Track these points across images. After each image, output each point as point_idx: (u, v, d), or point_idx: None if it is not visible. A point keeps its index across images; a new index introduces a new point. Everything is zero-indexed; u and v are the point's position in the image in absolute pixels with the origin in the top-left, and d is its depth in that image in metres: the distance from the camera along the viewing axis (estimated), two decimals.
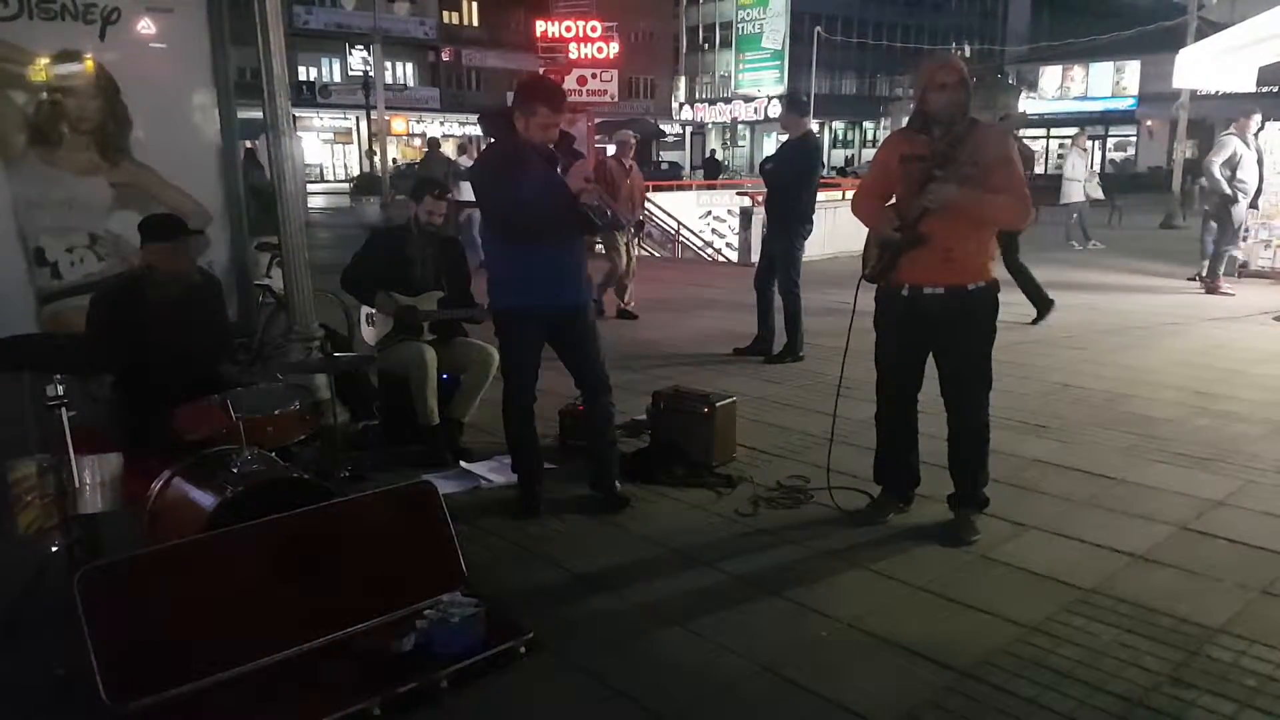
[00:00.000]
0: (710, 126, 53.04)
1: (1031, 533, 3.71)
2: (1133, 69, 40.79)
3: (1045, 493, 4.13)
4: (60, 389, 2.87)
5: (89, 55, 4.59)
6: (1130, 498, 4.09)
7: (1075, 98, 43.44)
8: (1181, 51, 8.17)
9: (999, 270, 3.75)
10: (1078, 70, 43.36)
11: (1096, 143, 37.28)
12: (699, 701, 2.65)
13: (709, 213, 13.92)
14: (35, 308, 4.51)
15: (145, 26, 4.75)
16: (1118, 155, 42.43)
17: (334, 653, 2.75)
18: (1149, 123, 39.48)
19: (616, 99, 18.72)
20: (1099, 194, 14.99)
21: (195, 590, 2.65)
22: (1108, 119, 41.73)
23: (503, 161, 3.74)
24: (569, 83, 20.12)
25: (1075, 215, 14.41)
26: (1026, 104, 41.28)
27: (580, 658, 2.86)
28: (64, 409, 2.87)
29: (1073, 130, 21.53)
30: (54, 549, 2.97)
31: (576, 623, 3.07)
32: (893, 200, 3.59)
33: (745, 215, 13.10)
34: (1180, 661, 2.78)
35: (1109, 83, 42.57)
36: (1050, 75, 44.58)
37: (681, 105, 53.13)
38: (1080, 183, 14.23)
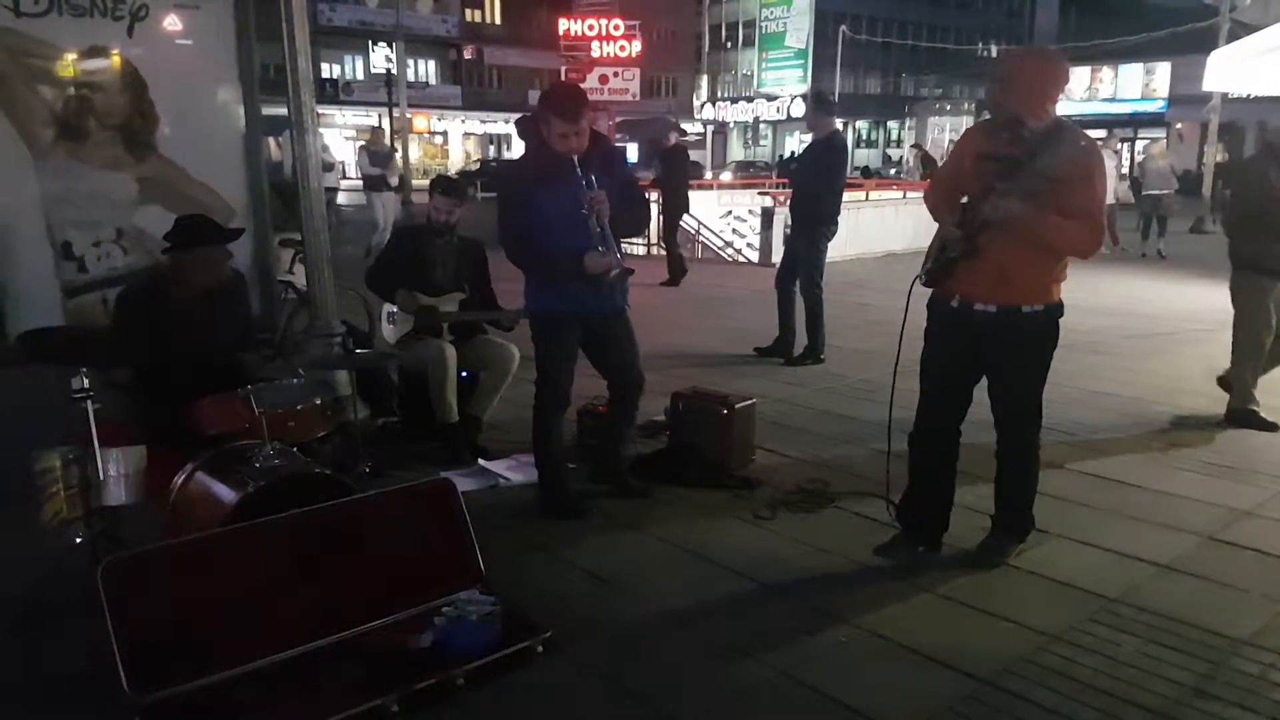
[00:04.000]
0: (732, 126, 52.91)
1: (1055, 540, 3.66)
2: (1163, 71, 40.28)
3: (1069, 500, 4.08)
4: (86, 382, 2.90)
5: (117, 51, 4.62)
6: (1156, 506, 4.04)
7: (1103, 99, 42.98)
8: (1213, 53, 8.04)
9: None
10: (1106, 71, 42.88)
11: (1125, 145, 36.82)
12: (715, 705, 2.64)
13: (729, 212, 13.86)
14: (61, 301, 4.55)
15: (172, 23, 4.78)
16: (1141, 158, 41.89)
17: (352, 648, 2.76)
18: (1179, 126, 38.98)
19: (638, 97, 18.73)
20: (1131, 198, 14.78)
21: (216, 583, 2.66)
22: (1136, 121, 41.24)
23: (512, 183, 3.84)
24: (590, 81, 20.16)
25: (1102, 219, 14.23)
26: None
27: (597, 658, 2.86)
28: (89, 402, 2.89)
29: (1100, 133, 21.30)
30: (77, 540, 3.00)
31: (593, 622, 3.06)
32: (965, 199, 3.31)
33: (767, 215, 13.04)
34: (1205, 674, 2.73)
35: (1138, 84, 42.07)
36: (1078, 76, 44.07)
37: (703, 104, 53.03)
38: (1110, 185, 14.05)
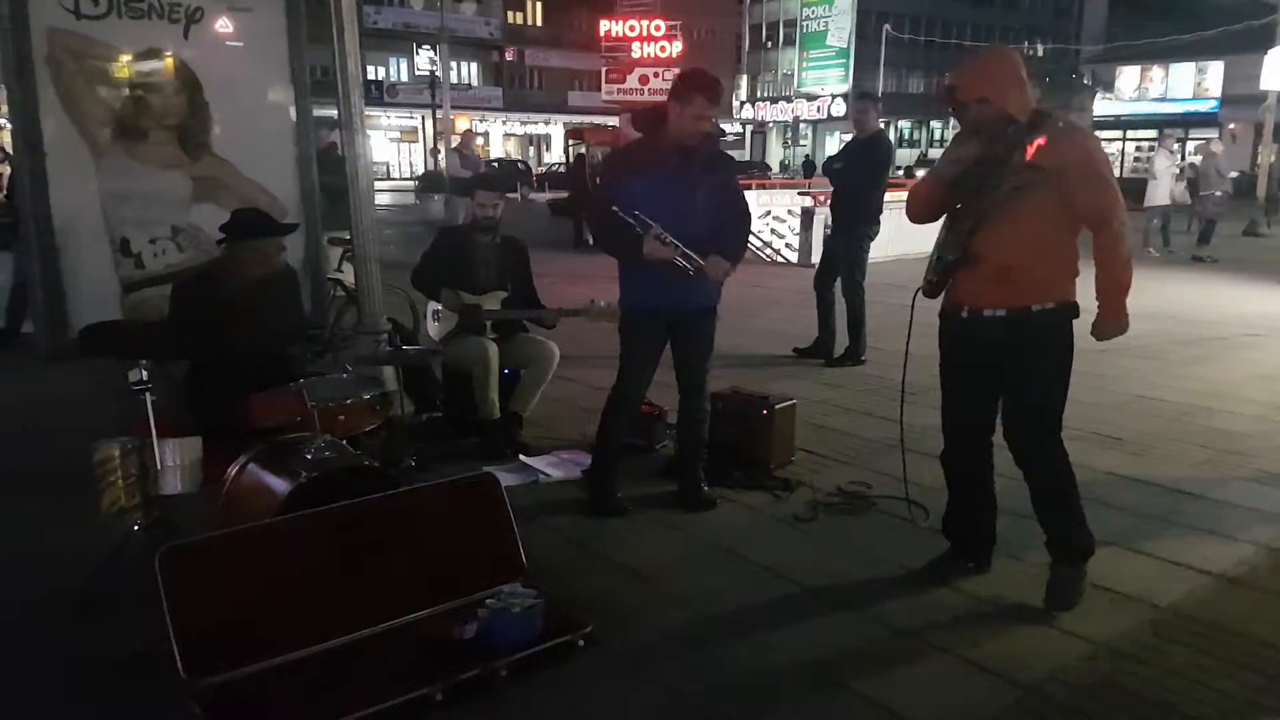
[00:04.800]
0: (771, 125, 52.65)
1: (1102, 547, 3.57)
2: (1215, 70, 39.34)
3: (1117, 506, 4.02)
4: (144, 374, 2.98)
5: (173, 53, 4.74)
6: (1207, 514, 3.96)
7: (1154, 99, 42.08)
8: (1270, 52, 7.85)
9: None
10: (1156, 71, 41.96)
11: (1176, 146, 36.04)
12: (754, 704, 2.64)
13: (768, 212, 13.79)
14: (119, 296, 4.68)
15: (225, 25, 4.89)
16: (1197, 159, 40.96)
17: (397, 638, 2.81)
18: (1232, 126, 38.06)
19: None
20: (1187, 198, 14.43)
21: (267, 572, 2.72)
22: (1188, 121, 40.28)
23: (612, 166, 3.93)
24: (631, 81, 20.23)
25: (1156, 220, 13.92)
26: (1102, 105, 40.14)
27: (636, 654, 2.87)
28: (147, 394, 2.97)
29: (1151, 133, 20.86)
30: (135, 528, 3.09)
31: (632, 620, 3.08)
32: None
33: (807, 215, 12.96)
34: (1260, 687, 2.68)
35: (1190, 84, 41.12)
36: (1128, 75, 43.22)
37: (743, 104, 52.82)
38: (1166, 185, 13.76)
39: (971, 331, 3.13)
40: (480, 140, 46.18)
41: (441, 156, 22.48)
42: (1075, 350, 3.07)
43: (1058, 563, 3.20)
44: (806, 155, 46.52)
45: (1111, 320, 3.07)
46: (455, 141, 15.01)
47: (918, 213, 3.28)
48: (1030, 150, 2.93)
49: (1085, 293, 3.05)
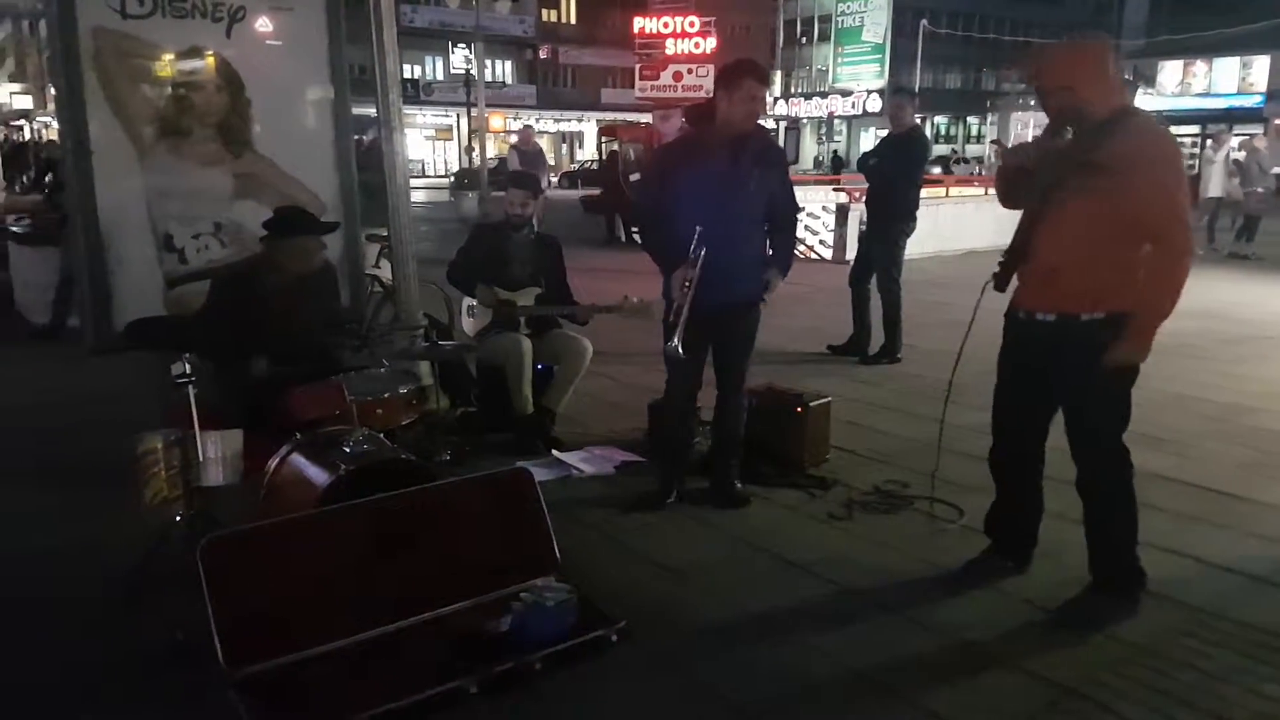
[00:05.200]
0: (805, 121, 52.30)
1: (1142, 549, 3.53)
2: (1261, 64, 38.49)
3: (1158, 507, 3.93)
4: (187, 367, 3.04)
5: (216, 52, 4.82)
6: (1251, 516, 3.88)
7: (1197, 94, 41.23)
8: None
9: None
10: (1200, 65, 41.13)
11: (1234, 141, 35.27)
12: (788, 702, 2.63)
13: (803, 209, 13.70)
14: (163, 291, 4.77)
15: (266, 24, 4.95)
16: (1242, 155, 40.07)
17: (432, 631, 2.83)
18: (1278, 121, 37.21)
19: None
20: (1240, 194, 14.09)
21: (306, 563, 2.76)
22: (1232, 117, 39.44)
23: (662, 157, 4.05)
24: (665, 78, 20.18)
25: (1205, 217, 13.62)
26: (1143, 101, 39.41)
27: (669, 650, 2.88)
28: (190, 387, 3.03)
29: (1194, 129, 20.42)
30: (177, 519, 3.14)
31: (665, 615, 3.08)
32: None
33: (841, 211, 12.87)
34: None
35: (1234, 79, 40.27)
36: (1170, 70, 42.40)
37: (776, 100, 52.50)
38: (1218, 179, 13.48)
39: (1025, 333, 3.04)
40: (514, 138, 46.50)
41: (476, 154, 22.60)
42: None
43: (1094, 586, 3.08)
44: (834, 150, 46.17)
45: (1130, 345, 2.81)
46: (514, 139, 15.02)
47: (999, 197, 3.23)
48: (1104, 149, 2.77)
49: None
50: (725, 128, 3.69)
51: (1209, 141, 16.58)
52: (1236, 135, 19.55)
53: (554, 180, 11.80)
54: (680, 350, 3.58)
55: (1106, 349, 2.81)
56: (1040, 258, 2.91)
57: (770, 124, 50.21)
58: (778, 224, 3.90)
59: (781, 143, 50.05)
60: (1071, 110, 2.85)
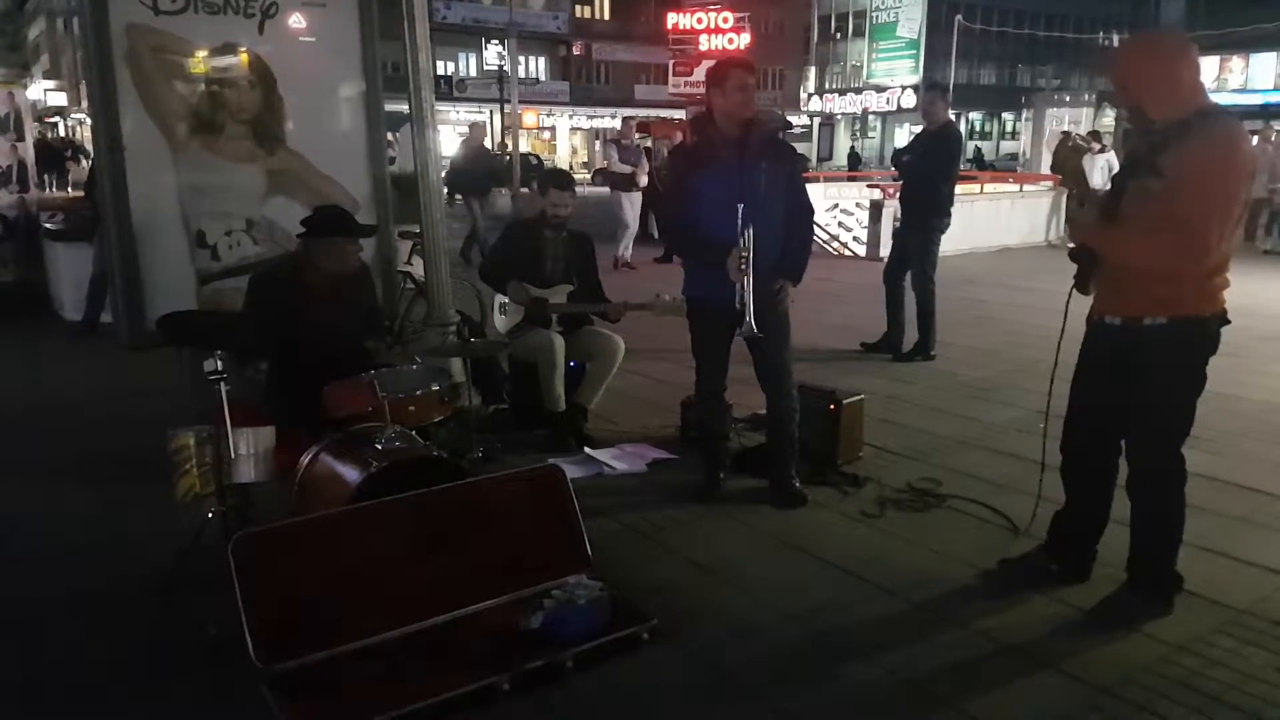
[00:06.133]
0: (839, 118, 51.90)
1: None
2: None
3: (1194, 506, 3.76)
4: (219, 364, 3.04)
5: (248, 48, 4.84)
6: None
7: (1233, 90, 40.35)
8: None
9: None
10: (1236, 61, 40.26)
11: (1254, 139, 34.46)
12: (822, 701, 2.59)
13: (836, 205, 13.57)
14: (195, 287, 4.81)
15: (299, 21, 4.97)
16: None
17: (464, 627, 2.82)
18: None
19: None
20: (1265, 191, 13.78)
21: (338, 560, 2.76)
22: (1268, 113, 38.57)
23: (674, 167, 4.13)
24: (698, 74, 20.08)
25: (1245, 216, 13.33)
26: None
27: (703, 647, 2.85)
28: (222, 383, 3.03)
29: (1256, 123, 19.84)
30: (209, 515, 3.16)
31: (698, 613, 3.05)
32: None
33: (876, 208, 12.73)
34: None
35: (1272, 74, 39.40)
36: (1206, 66, 41.50)
37: (810, 96, 52.15)
38: (1264, 174, 13.16)
39: (1097, 336, 3.00)
40: (547, 135, 46.61)
41: (509, 147, 22.64)
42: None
43: (1129, 585, 3.03)
44: (852, 147, 45.69)
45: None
46: (613, 134, 14.94)
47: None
48: (1169, 153, 2.67)
49: (1231, 298, 2.81)
50: (726, 121, 3.72)
51: (1254, 138, 16.15)
52: (1251, 132, 19.02)
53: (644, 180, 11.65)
54: (755, 329, 3.61)
55: (1171, 353, 2.78)
56: (1109, 261, 2.87)
57: (804, 120, 50.01)
58: (789, 224, 3.83)
59: (815, 139, 49.87)
60: (1133, 110, 2.81)
